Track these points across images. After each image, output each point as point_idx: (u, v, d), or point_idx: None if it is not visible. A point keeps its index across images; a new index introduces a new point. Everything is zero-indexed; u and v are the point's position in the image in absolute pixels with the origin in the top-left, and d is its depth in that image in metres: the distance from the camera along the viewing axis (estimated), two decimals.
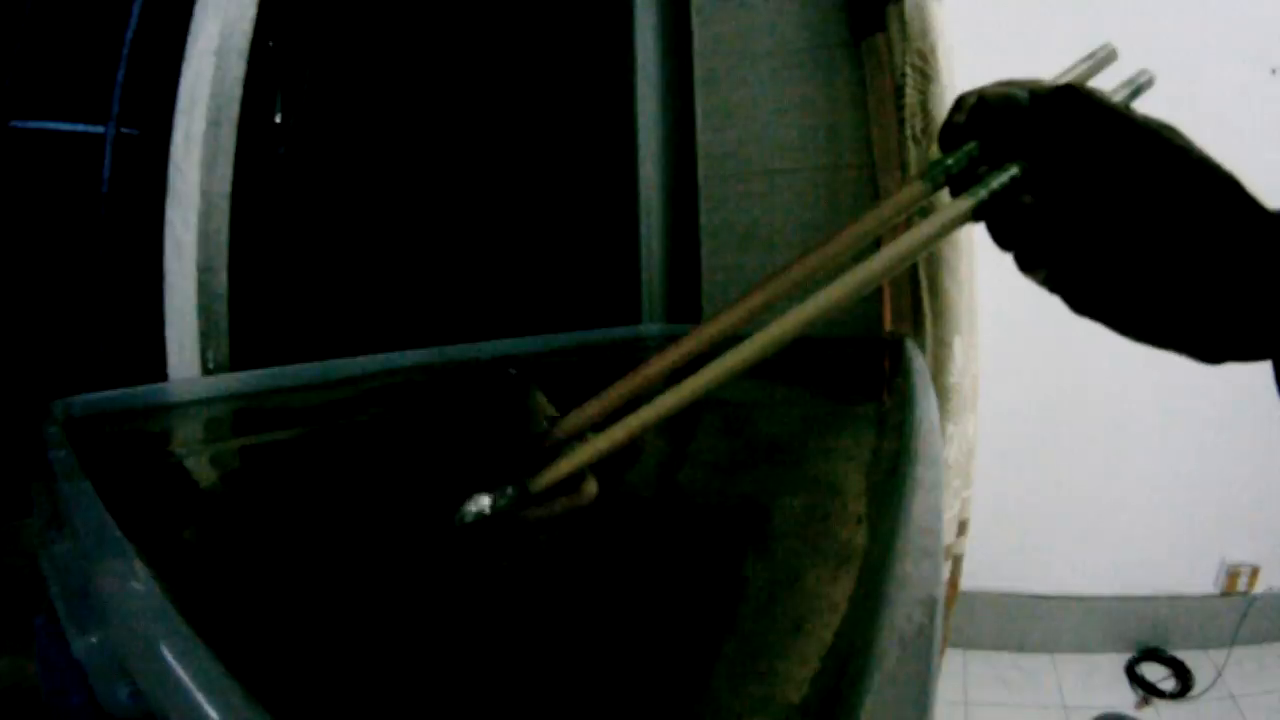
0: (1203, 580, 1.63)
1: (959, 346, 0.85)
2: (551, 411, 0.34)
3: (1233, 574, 1.62)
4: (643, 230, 0.95)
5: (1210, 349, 0.27)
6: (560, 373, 0.80)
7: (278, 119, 0.88)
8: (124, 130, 1.01)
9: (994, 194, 0.30)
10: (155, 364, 0.88)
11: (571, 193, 0.94)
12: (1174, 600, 1.64)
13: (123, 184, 0.95)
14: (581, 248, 0.94)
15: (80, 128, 1.03)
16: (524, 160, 0.92)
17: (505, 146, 0.91)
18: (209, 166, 0.86)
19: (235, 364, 0.85)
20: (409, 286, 0.87)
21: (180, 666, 0.25)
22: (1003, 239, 0.30)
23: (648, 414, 0.31)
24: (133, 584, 0.32)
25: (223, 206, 0.86)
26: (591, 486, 0.32)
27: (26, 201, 0.88)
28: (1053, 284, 0.30)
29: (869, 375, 0.75)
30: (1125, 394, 1.56)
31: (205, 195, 0.86)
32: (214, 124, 0.88)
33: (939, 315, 0.84)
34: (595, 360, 0.84)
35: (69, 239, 0.91)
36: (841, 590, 0.34)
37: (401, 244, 0.87)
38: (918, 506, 0.36)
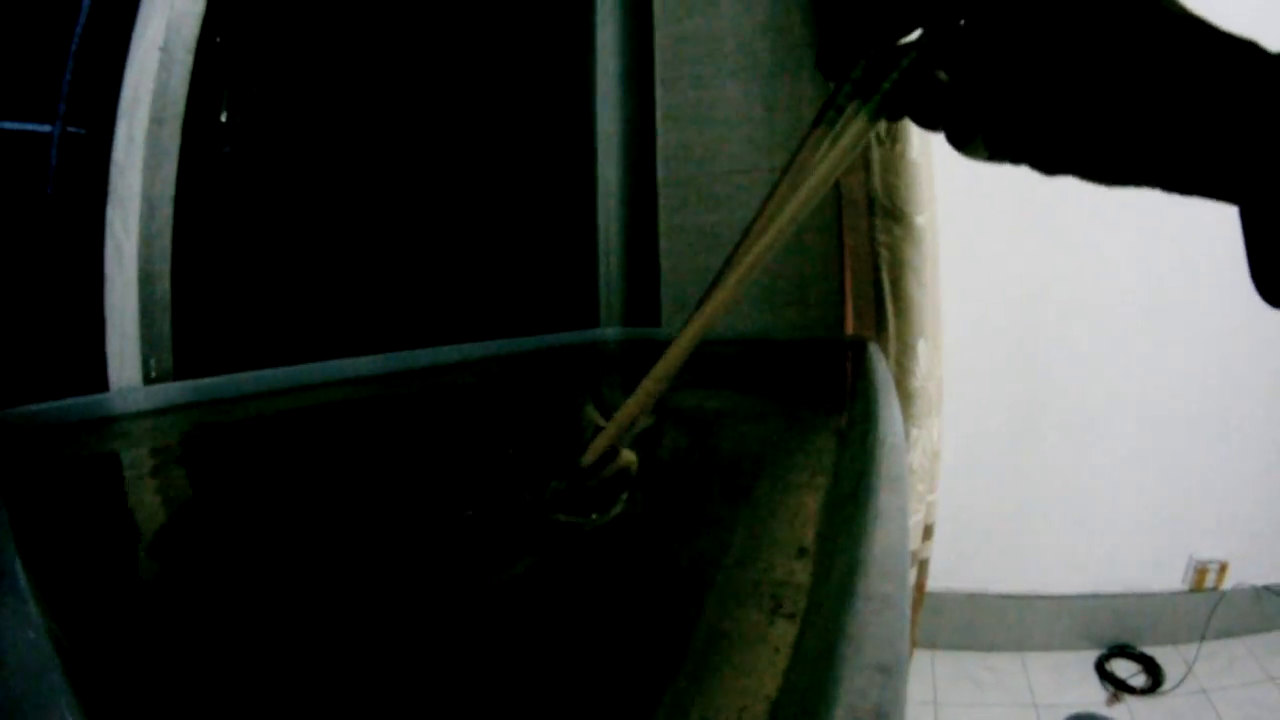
0: (1171, 577, 1.65)
1: (923, 349, 0.84)
2: (600, 420, 0.39)
3: (1201, 570, 1.64)
4: (601, 233, 0.93)
5: (1174, 180, 0.25)
6: (519, 378, 0.78)
7: (223, 118, 0.85)
8: (70, 129, 0.97)
9: (895, 87, 0.29)
10: (95, 372, 0.84)
11: (529, 194, 0.92)
12: (1143, 597, 1.66)
13: (69, 185, 0.92)
14: (539, 250, 0.92)
15: (26, 126, 1.00)
16: (480, 161, 0.89)
17: (461, 147, 0.89)
18: (152, 167, 0.83)
19: (179, 373, 0.82)
20: (361, 291, 0.84)
21: None
22: (928, 120, 0.29)
23: (645, 388, 0.35)
24: (27, 633, 0.30)
25: (166, 209, 0.83)
26: (627, 455, 0.36)
27: None
28: (1003, 151, 0.28)
29: (831, 383, 0.73)
30: (1092, 393, 1.57)
31: (147, 197, 0.83)
32: (158, 122, 0.85)
33: (903, 318, 0.83)
34: (553, 365, 0.82)
35: (11, 241, 0.87)
36: (782, 653, 0.31)
37: (352, 248, 0.85)
38: (879, 546, 0.32)
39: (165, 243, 0.82)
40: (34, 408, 0.70)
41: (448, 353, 0.79)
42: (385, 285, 0.83)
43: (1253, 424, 1.57)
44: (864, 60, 0.30)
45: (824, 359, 0.78)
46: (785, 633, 0.33)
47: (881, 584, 0.29)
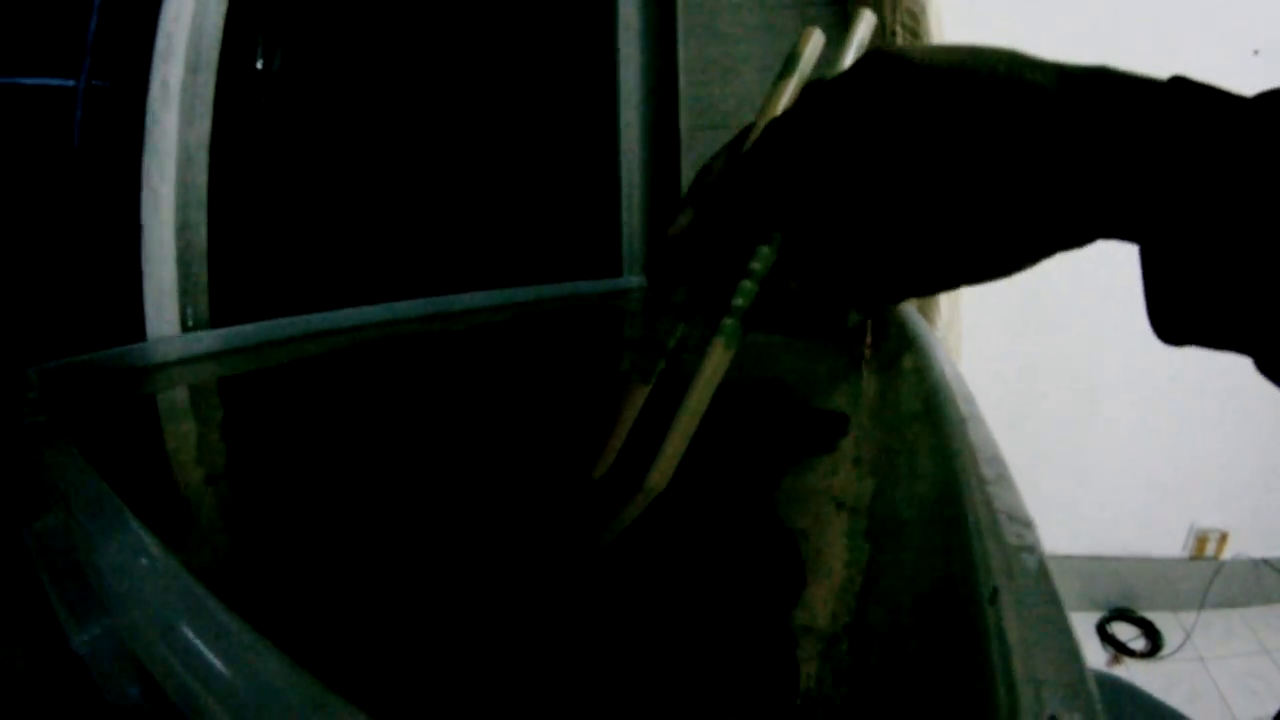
0: (1172, 543, 1.68)
1: (944, 301, 0.86)
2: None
3: (1201, 538, 1.67)
4: (624, 183, 0.94)
5: (1066, 239, 0.23)
6: (543, 324, 0.80)
7: (259, 66, 0.86)
8: (95, 83, 0.98)
9: (750, 311, 0.25)
10: (133, 323, 0.86)
11: (553, 146, 0.93)
12: (1144, 562, 1.68)
13: (95, 138, 0.93)
14: (563, 201, 0.93)
15: (50, 81, 1.00)
16: (506, 111, 0.90)
17: (487, 97, 0.90)
18: (187, 116, 0.84)
19: (215, 322, 0.84)
20: (391, 239, 0.86)
21: (216, 650, 0.21)
22: (781, 328, 0.26)
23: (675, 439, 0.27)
24: (141, 560, 0.27)
25: (201, 158, 0.84)
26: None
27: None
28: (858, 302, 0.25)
29: (859, 324, 0.75)
30: (1099, 360, 1.59)
31: (183, 146, 0.84)
32: (193, 70, 0.85)
33: None
34: (576, 313, 0.83)
35: (39, 196, 0.88)
36: (857, 544, 0.32)
37: (383, 196, 0.86)
38: (974, 441, 0.33)
39: (201, 192, 0.84)
40: (77, 359, 0.70)
41: (476, 298, 0.80)
42: (414, 231, 0.85)
43: (1259, 396, 1.59)
44: (691, 285, 0.27)
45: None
46: (856, 526, 0.35)
47: (991, 468, 0.29)
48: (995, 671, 0.19)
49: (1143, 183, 0.20)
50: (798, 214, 0.24)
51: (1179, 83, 0.21)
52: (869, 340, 0.62)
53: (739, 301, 0.25)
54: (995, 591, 0.22)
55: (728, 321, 0.25)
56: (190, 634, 0.22)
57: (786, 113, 0.25)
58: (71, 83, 1.01)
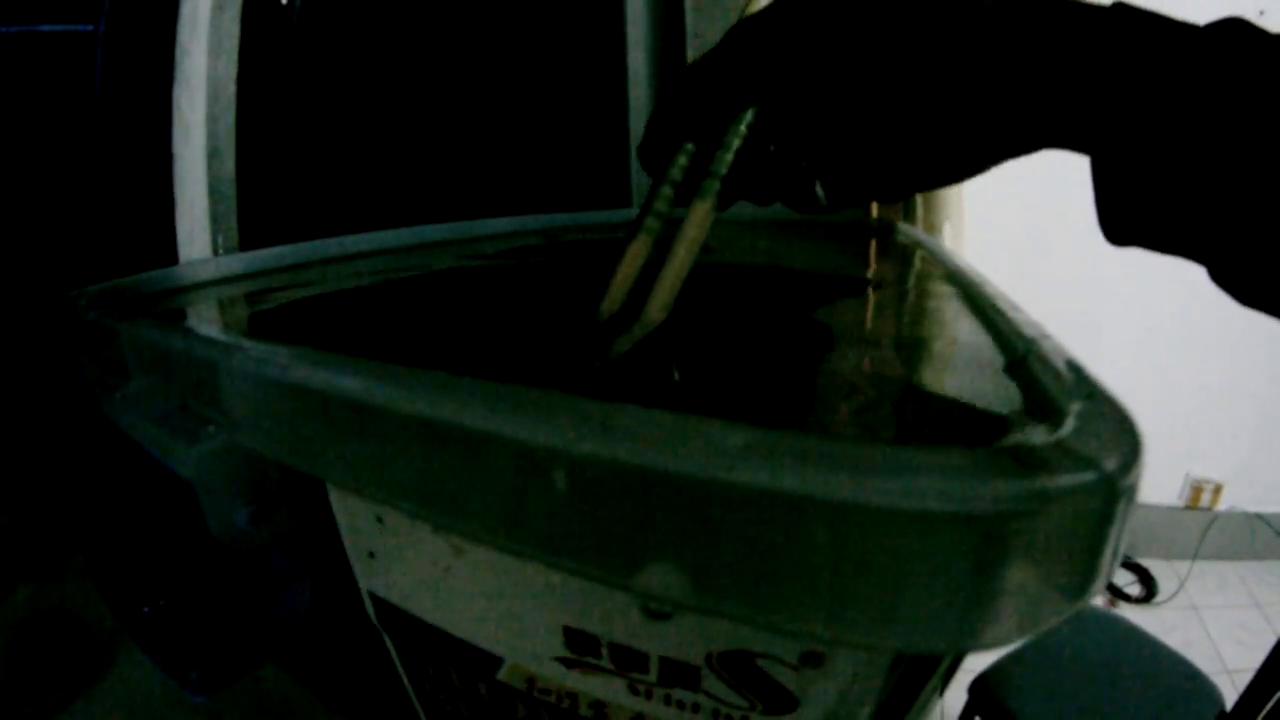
0: (1169, 491, 1.71)
1: (949, 232, 0.88)
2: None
3: (1197, 488, 1.70)
4: (631, 120, 0.96)
5: (1022, 144, 0.25)
6: (553, 251, 0.83)
7: (282, 1, 0.88)
8: (115, 27, 1.01)
9: (730, 173, 0.28)
10: (165, 253, 0.89)
11: (565, 83, 0.95)
12: (1140, 508, 1.70)
13: (117, 81, 0.95)
14: (574, 136, 0.96)
15: (70, 28, 1.03)
16: (520, 49, 0.93)
17: (504, 34, 0.92)
18: (215, 48, 0.87)
19: (244, 248, 0.87)
20: (411, 164, 0.89)
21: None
22: (764, 197, 0.29)
23: (672, 271, 0.29)
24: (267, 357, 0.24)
25: (229, 89, 0.87)
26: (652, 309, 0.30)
27: (20, 104, 0.88)
28: (846, 197, 0.28)
29: (864, 246, 0.78)
30: (1100, 303, 1.61)
31: (212, 78, 0.86)
32: (219, 7, 0.88)
33: (930, 202, 0.87)
34: (587, 240, 0.86)
35: (65, 139, 0.91)
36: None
37: (398, 127, 0.89)
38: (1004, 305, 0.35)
39: (230, 122, 0.86)
40: (114, 281, 0.73)
41: (494, 225, 0.83)
42: (434, 159, 0.88)
43: (1259, 351, 1.61)
44: (684, 155, 0.29)
45: (852, 234, 0.82)
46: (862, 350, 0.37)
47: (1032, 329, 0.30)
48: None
49: (1086, 96, 0.22)
50: (772, 87, 0.26)
51: (1121, 7, 0.23)
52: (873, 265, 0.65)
53: (721, 164, 0.28)
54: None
55: (708, 182, 0.28)
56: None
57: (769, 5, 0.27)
58: (90, 28, 1.03)
